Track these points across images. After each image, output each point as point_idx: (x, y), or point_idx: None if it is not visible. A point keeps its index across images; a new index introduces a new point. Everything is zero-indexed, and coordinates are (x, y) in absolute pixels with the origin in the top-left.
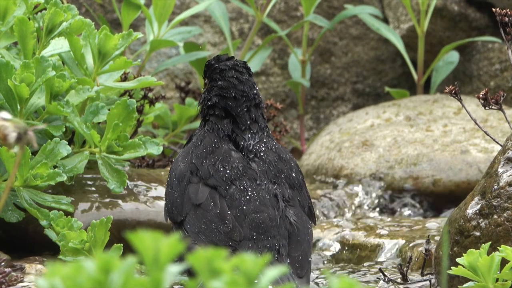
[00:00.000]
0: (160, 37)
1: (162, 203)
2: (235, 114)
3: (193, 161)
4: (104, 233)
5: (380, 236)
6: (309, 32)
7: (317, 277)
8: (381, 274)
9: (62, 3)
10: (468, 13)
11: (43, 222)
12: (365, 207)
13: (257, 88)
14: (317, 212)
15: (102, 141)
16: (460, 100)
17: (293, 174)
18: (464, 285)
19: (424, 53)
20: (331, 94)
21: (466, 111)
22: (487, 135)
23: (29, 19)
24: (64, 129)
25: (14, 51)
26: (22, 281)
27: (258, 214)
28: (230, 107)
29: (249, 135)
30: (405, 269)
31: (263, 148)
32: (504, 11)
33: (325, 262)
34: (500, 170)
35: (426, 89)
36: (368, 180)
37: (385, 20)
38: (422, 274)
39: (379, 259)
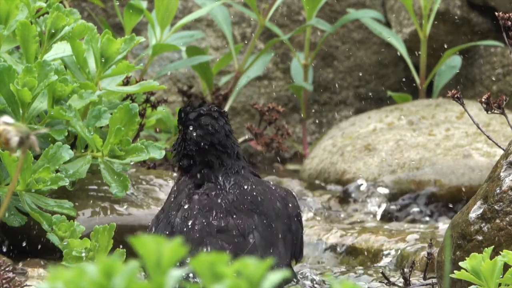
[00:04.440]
0: (162, 41)
1: None
2: (210, 162)
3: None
4: (107, 240)
5: (382, 240)
6: (312, 36)
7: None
8: (383, 278)
9: (65, 7)
10: (471, 17)
11: (45, 226)
12: (367, 211)
13: (232, 133)
14: (319, 216)
15: (105, 145)
16: (462, 104)
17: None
18: None
19: (427, 57)
20: (334, 98)
21: (469, 115)
22: (490, 139)
23: (31, 23)
24: (66, 133)
25: (16, 55)
26: (24, 285)
27: None
28: (205, 156)
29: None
30: (407, 272)
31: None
32: (507, 15)
33: (327, 266)
34: (503, 174)
35: (429, 93)
36: (370, 184)
37: (388, 24)
38: (425, 278)
39: (381, 263)
